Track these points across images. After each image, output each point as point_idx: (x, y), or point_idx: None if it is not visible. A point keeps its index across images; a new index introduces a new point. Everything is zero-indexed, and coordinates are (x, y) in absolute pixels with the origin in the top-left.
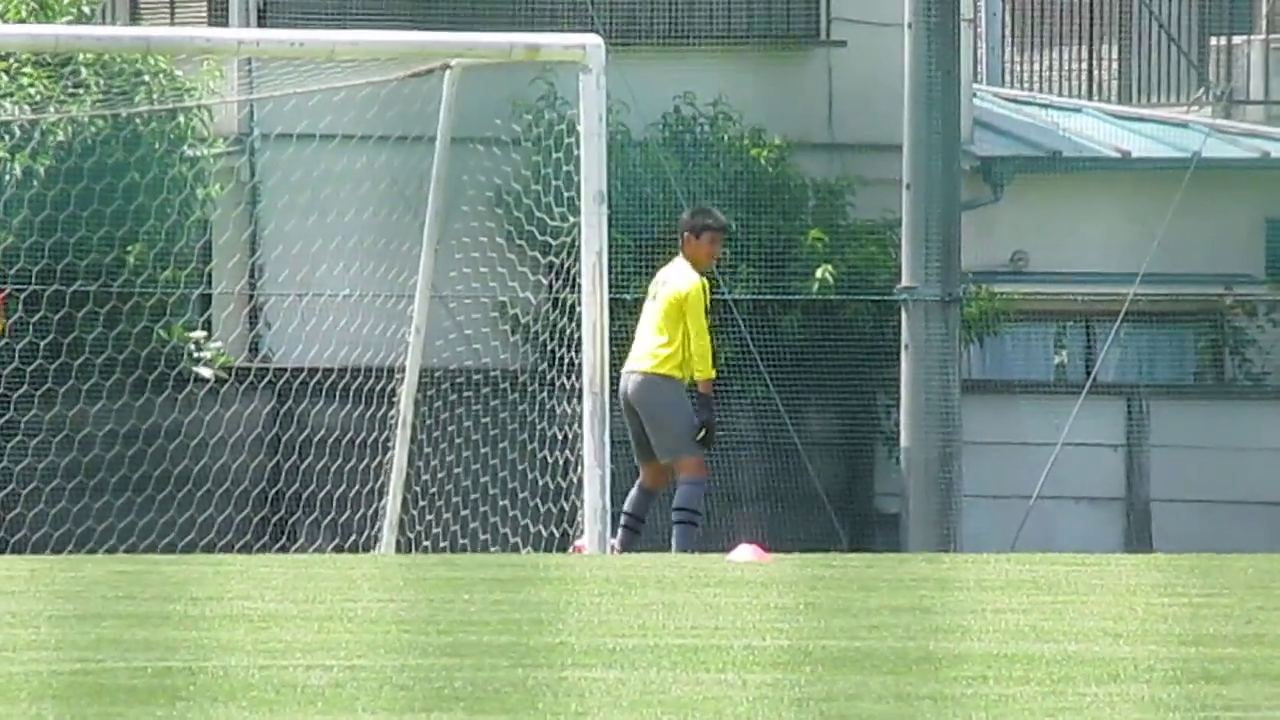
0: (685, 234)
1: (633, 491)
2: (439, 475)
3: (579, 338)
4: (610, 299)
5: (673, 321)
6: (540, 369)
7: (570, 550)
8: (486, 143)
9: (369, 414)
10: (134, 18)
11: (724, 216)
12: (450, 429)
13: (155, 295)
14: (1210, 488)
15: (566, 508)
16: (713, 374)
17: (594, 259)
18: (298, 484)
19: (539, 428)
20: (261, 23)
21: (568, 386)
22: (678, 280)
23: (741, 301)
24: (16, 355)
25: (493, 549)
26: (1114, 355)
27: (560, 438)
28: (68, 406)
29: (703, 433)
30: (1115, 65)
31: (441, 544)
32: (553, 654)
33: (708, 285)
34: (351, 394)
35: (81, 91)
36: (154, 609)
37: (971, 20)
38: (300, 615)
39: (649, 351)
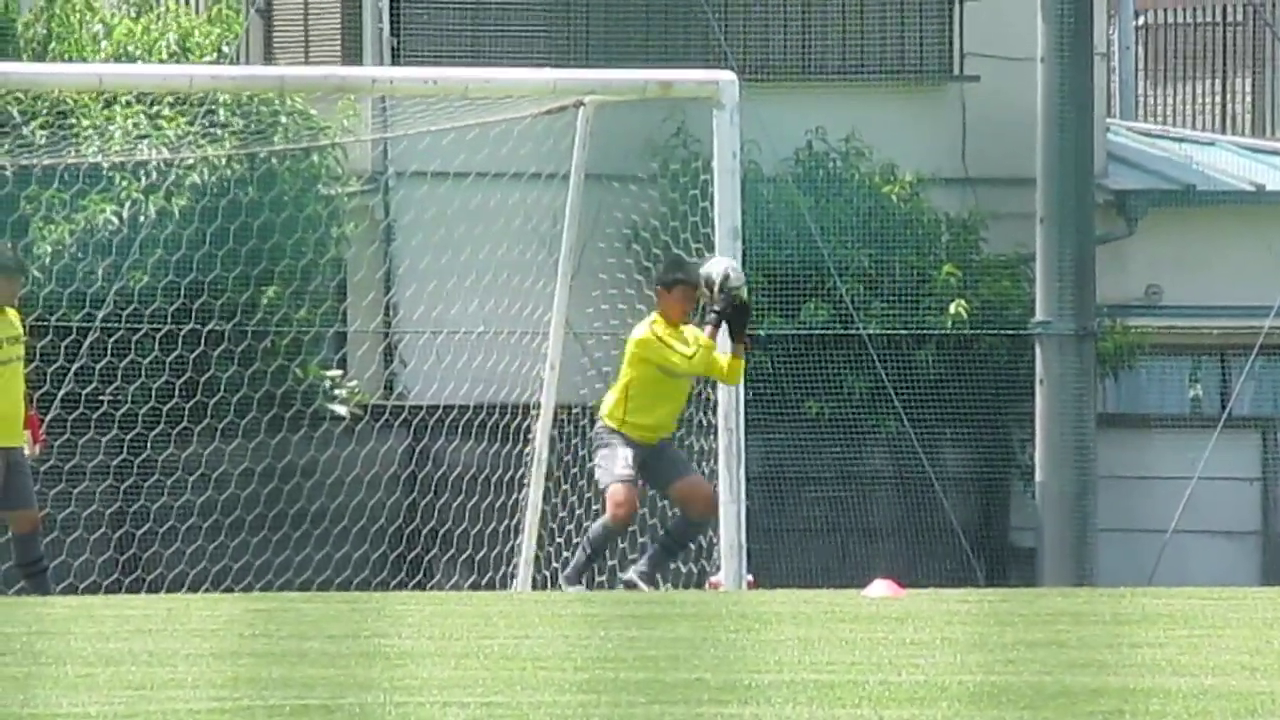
0: (656, 288)
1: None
2: (575, 511)
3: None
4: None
5: (621, 371)
6: None
7: (706, 586)
8: (621, 179)
9: (504, 451)
10: (268, 57)
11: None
12: (589, 465)
13: (290, 334)
14: None
15: (703, 543)
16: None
17: None
18: (433, 521)
19: None
20: (395, 61)
21: (703, 423)
22: (634, 334)
23: (876, 337)
24: (153, 395)
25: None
26: (1249, 388)
27: None
28: (203, 445)
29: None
30: (1249, 98)
31: None
32: (689, 690)
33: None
34: (487, 431)
35: (218, 131)
36: (290, 647)
37: (1104, 54)
38: (436, 652)
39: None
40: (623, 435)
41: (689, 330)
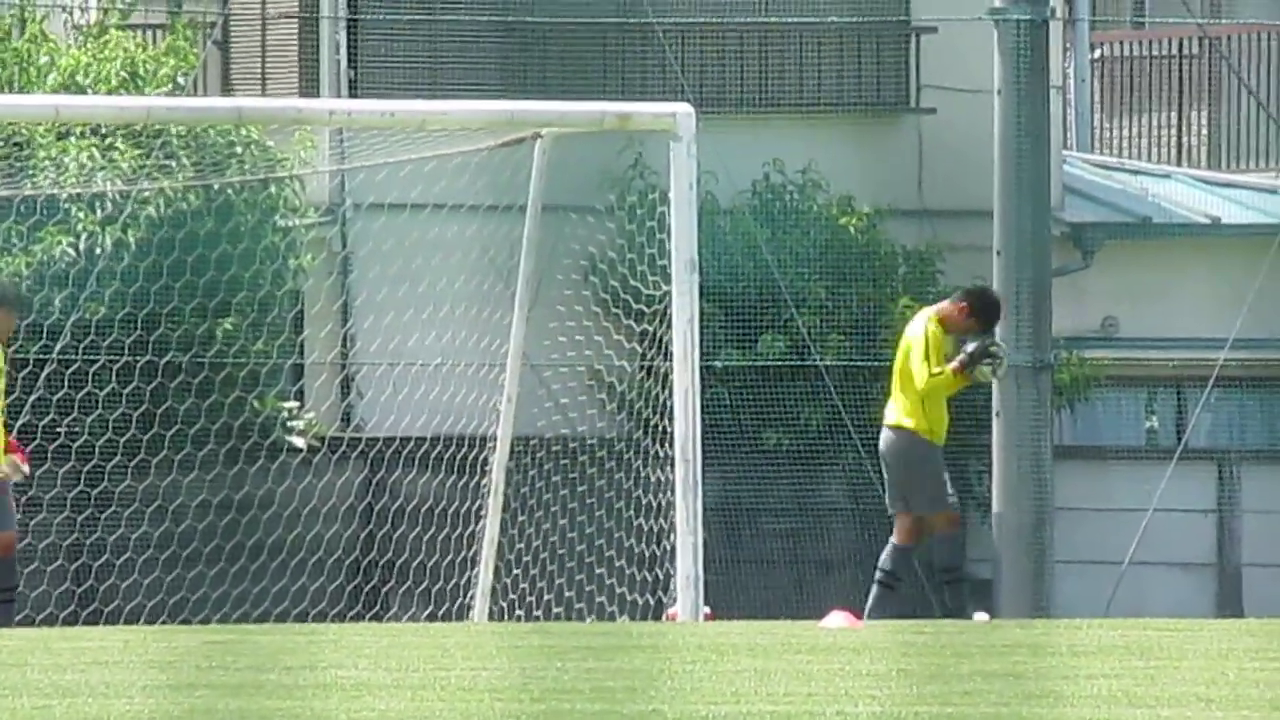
0: (963, 302)
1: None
2: (533, 543)
3: (672, 405)
4: (701, 367)
5: (906, 376)
6: (634, 436)
7: (664, 618)
8: (578, 211)
9: (461, 483)
10: (225, 89)
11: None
12: (545, 497)
13: (248, 365)
14: None
15: (660, 575)
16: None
17: (685, 327)
18: (390, 553)
19: (633, 495)
20: (353, 93)
21: (661, 454)
22: (910, 329)
23: (833, 369)
24: (110, 426)
25: (587, 617)
26: (1205, 420)
27: (653, 505)
28: (161, 477)
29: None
30: (1204, 131)
31: (535, 612)
32: None
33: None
34: (444, 463)
35: (173, 164)
36: (247, 679)
37: (1060, 87)
38: (393, 684)
39: (891, 405)
40: (937, 449)
41: (951, 341)
